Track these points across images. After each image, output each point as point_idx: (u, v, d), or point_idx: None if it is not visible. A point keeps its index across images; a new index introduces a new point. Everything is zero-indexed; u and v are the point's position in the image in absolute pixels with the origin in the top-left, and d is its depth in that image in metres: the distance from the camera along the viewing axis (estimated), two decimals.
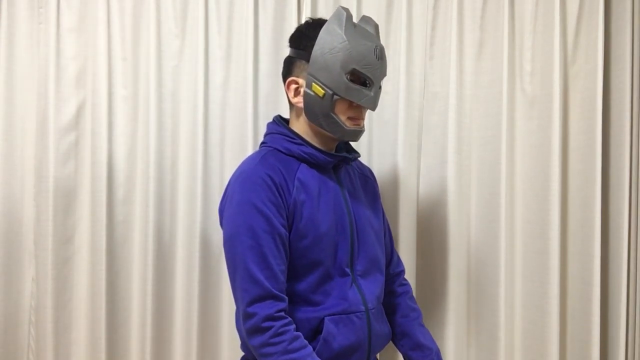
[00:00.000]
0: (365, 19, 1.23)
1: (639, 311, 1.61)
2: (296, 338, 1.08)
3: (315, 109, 1.17)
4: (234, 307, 1.61)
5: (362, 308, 1.18)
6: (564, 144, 1.65)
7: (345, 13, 1.16)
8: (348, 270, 1.19)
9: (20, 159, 1.68)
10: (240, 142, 1.67)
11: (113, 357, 1.68)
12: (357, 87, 1.16)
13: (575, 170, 1.66)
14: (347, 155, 1.26)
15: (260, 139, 1.67)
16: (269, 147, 1.23)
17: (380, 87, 1.22)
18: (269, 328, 1.06)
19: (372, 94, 1.18)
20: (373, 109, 1.20)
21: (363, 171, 1.39)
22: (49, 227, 1.64)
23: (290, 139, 1.21)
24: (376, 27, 1.23)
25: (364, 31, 1.19)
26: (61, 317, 1.67)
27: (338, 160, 1.23)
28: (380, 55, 1.17)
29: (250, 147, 1.65)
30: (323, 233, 1.16)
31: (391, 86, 1.67)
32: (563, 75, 1.64)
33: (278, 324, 1.07)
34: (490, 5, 1.66)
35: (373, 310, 1.21)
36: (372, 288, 1.23)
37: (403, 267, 1.43)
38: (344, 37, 1.14)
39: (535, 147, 1.65)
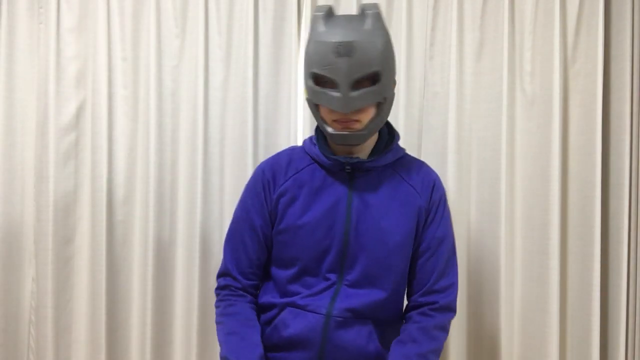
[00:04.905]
0: (362, 6, 1.14)
1: (639, 311, 1.61)
2: (231, 305, 1.22)
3: (312, 113, 1.20)
4: None
5: (323, 312, 1.15)
6: (564, 144, 1.64)
7: (315, 13, 1.12)
8: (333, 276, 1.17)
9: (20, 159, 1.68)
10: (240, 142, 1.67)
11: (113, 357, 1.68)
12: (322, 89, 1.11)
13: (575, 170, 1.66)
14: (345, 159, 1.17)
15: (260, 138, 1.69)
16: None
17: (353, 85, 1.09)
18: (217, 295, 1.27)
19: (339, 94, 1.09)
20: (344, 110, 1.11)
21: (411, 180, 1.22)
22: (49, 227, 1.64)
23: (312, 140, 1.25)
24: (363, 12, 1.13)
25: (336, 26, 1.10)
26: (61, 317, 1.67)
27: (341, 163, 1.17)
28: (345, 52, 1.07)
29: (250, 147, 1.66)
30: (303, 233, 1.18)
31: None
32: (563, 75, 1.64)
33: (223, 292, 1.25)
34: (490, 5, 1.66)
35: (339, 319, 1.15)
36: (355, 300, 1.16)
37: (444, 301, 1.19)
38: (309, 38, 1.13)
39: (535, 147, 1.64)
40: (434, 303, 1.19)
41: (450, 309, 1.21)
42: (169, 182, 1.68)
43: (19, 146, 1.68)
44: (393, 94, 1.20)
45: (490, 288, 1.64)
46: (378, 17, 1.12)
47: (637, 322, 1.61)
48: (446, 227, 1.23)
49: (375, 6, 1.13)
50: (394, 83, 1.20)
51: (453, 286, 1.21)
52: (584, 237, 1.63)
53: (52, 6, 1.65)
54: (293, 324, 1.17)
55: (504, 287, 1.61)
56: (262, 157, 1.69)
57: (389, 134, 1.27)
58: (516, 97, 1.67)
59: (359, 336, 1.17)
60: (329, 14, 1.13)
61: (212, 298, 1.67)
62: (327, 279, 1.17)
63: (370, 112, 1.14)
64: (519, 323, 1.66)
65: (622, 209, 1.61)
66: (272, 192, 1.22)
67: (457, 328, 1.64)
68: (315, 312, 1.16)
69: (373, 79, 1.11)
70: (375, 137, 1.24)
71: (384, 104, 1.16)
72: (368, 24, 1.11)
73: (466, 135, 1.67)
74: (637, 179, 1.62)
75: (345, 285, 1.17)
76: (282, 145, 1.68)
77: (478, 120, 1.67)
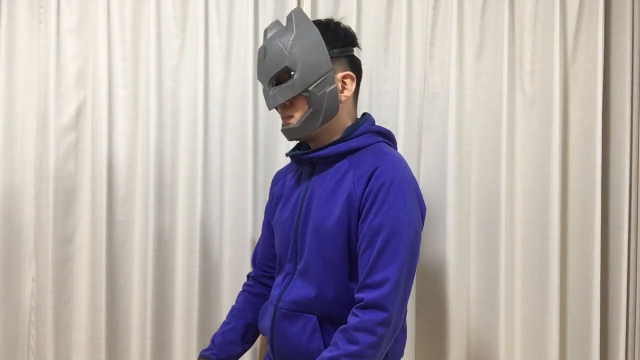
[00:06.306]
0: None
1: (639, 311, 1.61)
2: (239, 295, 1.38)
3: None
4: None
5: (274, 302, 1.21)
6: (564, 144, 1.65)
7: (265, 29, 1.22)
8: (289, 266, 1.23)
9: (20, 159, 1.68)
10: (240, 142, 1.67)
11: (113, 357, 1.68)
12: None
13: (575, 170, 1.66)
14: (296, 152, 1.24)
15: (260, 138, 1.69)
16: None
17: (274, 86, 1.17)
18: None
19: (266, 94, 1.20)
20: (268, 108, 1.21)
21: (357, 170, 1.16)
22: (49, 227, 1.64)
23: None
24: (276, 23, 1.22)
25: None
26: (61, 317, 1.67)
27: (300, 157, 1.23)
28: (261, 56, 1.18)
29: (250, 147, 1.66)
30: (279, 227, 1.26)
31: (391, 86, 1.67)
32: (563, 75, 1.64)
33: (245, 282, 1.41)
34: (490, 5, 1.66)
35: (283, 311, 1.18)
36: (296, 290, 1.17)
37: (370, 297, 1.06)
38: None
39: (535, 147, 1.64)
40: (360, 301, 1.07)
41: (378, 307, 1.05)
42: (169, 182, 1.68)
43: (19, 146, 1.68)
44: (328, 90, 1.15)
45: (490, 288, 1.64)
46: (290, 18, 1.16)
47: (637, 322, 1.61)
48: (386, 216, 1.08)
49: (296, 9, 1.18)
50: (327, 77, 1.14)
51: (386, 282, 1.05)
52: (584, 237, 1.63)
53: (52, 6, 1.64)
54: (263, 315, 1.27)
55: (504, 287, 1.61)
56: (262, 157, 1.69)
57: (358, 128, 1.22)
58: (516, 97, 1.67)
59: (302, 332, 1.15)
60: (269, 28, 1.22)
61: (212, 298, 1.68)
62: (286, 270, 1.23)
63: (301, 108, 1.17)
64: (519, 323, 1.66)
65: (622, 209, 1.61)
66: (272, 190, 1.36)
67: (457, 328, 1.64)
68: (270, 304, 1.23)
69: (288, 75, 1.15)
70: (339, 131, 1.21)
71: (313, 98, 1.14)
72: (282, 26, 1.19)
73: (466, 135, 1.67)
74: (637, 179, 1.62)
75: (297, 275, 1.20)
76: (282, 145, 1.68)
77: (478, 120, 1.67)
